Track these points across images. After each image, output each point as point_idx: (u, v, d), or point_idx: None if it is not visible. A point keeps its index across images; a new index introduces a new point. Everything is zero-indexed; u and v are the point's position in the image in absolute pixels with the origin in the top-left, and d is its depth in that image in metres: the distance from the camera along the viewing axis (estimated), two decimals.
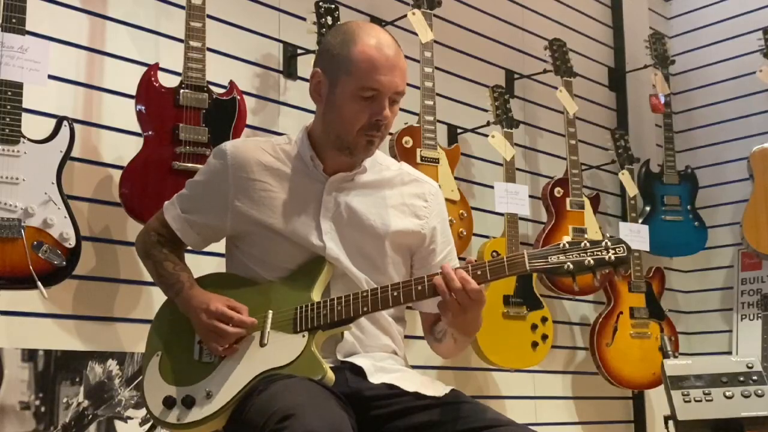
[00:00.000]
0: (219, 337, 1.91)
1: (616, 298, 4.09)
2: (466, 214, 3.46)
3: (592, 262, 1.82)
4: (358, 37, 1.94)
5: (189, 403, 1.90)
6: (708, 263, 4.81)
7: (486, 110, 3.79)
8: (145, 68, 2.74)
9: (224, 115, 2.79)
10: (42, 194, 2.44)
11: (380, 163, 2.10)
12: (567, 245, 1.84)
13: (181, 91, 2.71)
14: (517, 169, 3.78)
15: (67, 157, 2.51)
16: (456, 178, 3.46)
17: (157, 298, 2.49)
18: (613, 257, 1.82)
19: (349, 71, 1.93)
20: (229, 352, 1.93)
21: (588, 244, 1.83)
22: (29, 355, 2.58)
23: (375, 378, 1.90)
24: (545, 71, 4.08)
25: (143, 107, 2.69)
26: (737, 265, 4.68)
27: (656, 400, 4.42)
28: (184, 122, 2.70)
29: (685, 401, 2.35)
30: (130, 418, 2.73)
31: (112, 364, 2.73)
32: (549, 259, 1.84)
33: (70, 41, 2.79)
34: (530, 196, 3.76)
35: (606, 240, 1.84)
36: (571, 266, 1.83)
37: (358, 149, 1.98)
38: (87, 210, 2.75)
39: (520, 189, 3.71)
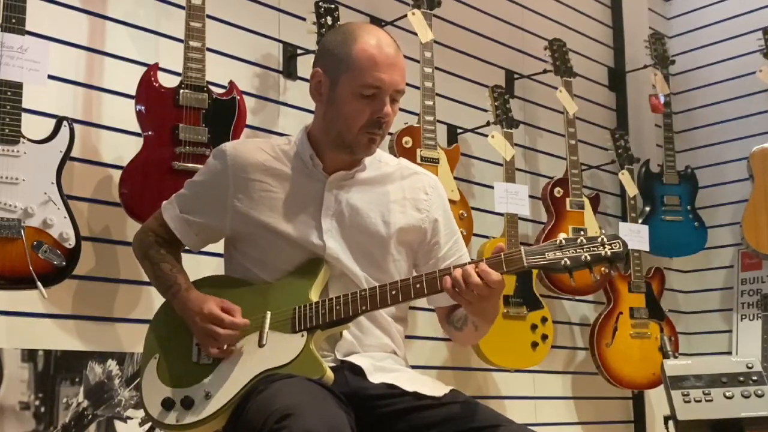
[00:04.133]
0: (212, 339, 1.92)
1: (615, 299, 4.08)
2: (465, 214, 3.46)
3: (588, 257, 1.83)
4: (358, 36, 1.95)
5: (188, 404, 1.90)
6: (708, 263, 4.81)
7: (486, 110, 3.78)
8: (145, 68, 2.74)
9: (224, 115, 2.78)
10: (42, 194, 2.44)
11: (379, 159, 2.10)
12: (563, 241, 1.85)
13: (181, 91, 2.71)
14: (517, 169, 3.77)
15: (66, 157, 2.51)
16: (456, 178, 3.46)
17: (156, 298, 2.49)
18: (609, 252, 1.83)
19: (350, 69, 1.93)
20: (226, 354, 1.93)
21: (584, 240, 1.84)
22: (29, 355, 2.58)
23: (374, 377, 1.91)
24: (545, 71, 4.08)
25: (143, 107, 2.69)
26: (737, 265, 4.68)
27: (656, 400, 4.42)
28: (184, 122, 2.70)
29: (685, 401, 2.35)
30: (129, 418, 2.73)
31: (112, 364, 2.73)
32: (546, 256, 1.84)
33: (70, 41, 2.79)
34: (530, 196, 3.76)
35: (602, 236, 1.85)
36: (568, 262, 1.83)
37: (359, 147, 1.98)
38: (87, 210, 2.75)
39: (520, 189, 3.70)
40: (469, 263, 1.86)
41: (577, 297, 4.16)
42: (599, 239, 1.84)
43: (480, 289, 1.81)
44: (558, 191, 3.94)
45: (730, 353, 4.54)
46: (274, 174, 2.03)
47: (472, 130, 3.85)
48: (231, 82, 2.86)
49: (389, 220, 2.03)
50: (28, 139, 2.44)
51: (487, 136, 3.73)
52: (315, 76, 2.01)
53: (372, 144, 1.99)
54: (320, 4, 3.11)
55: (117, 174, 2.71)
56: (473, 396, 2.02)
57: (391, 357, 2.02)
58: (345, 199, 2.02)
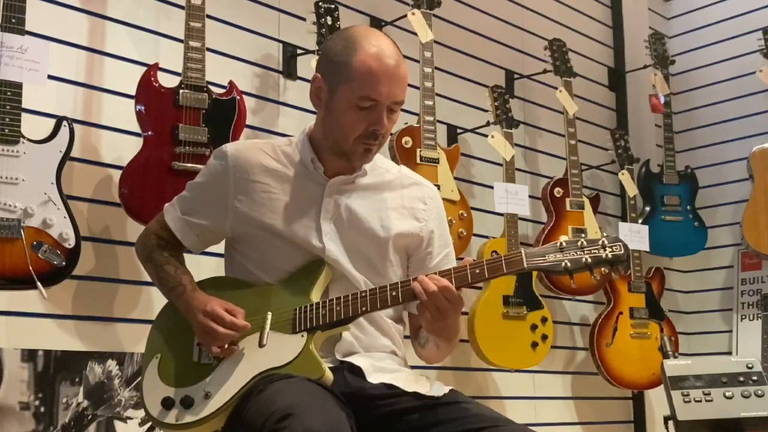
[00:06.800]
0: (212, 337, 1.92)
1: (615, 299, 4.08)
2: (465, 215, 3.46)
3: (589, 260, 1.83)
4: (359, 45, 1.94)
5: (188, 403, 1.90)
6: (708, 263, 4.81)
7: (486, 110, 3.78)
8: (144, 68, 2.74)
9: (224, 116, 2.78)
10: (41, 194, 2.44)
11: (380, 166, 2.11)
12: (564, 244, 1.85)
13: (181, 91, 2.71)
14: (517, 169, 3.77)
15: (66, 157, 2.51)
16: (456, 179, 3.46)
17: (156, 298, 2.49)
18: (610, 255, 1.83)
19: (348, 80, 1.93)
20: (227, 353, 1.93)
21: (585, 243, 1.85)
22: (29, 355, 2.58)
23: (374, 378, 1.91)
24: (545, 71, 4.08)
25: (143, 107, 2.69)
26: (737, 265, 4.68)
27: (656, 400, 4.42)
28: (184, 122, 2.70)
29: (685, 401, 2.35)
30: (129, 418, 2.73)
31: (112, 365, 2.73)
32: (546, 258, 1.85)
33: (70, 41, 2.79)
34: (530, 196, 3.76)
35: (603, 238, 1.85)
36: (569, 264, 1.84)
37: (355, 156, 1.99)
38: (87, 210, 2.75)
39: (519, 189, 3.70)
40: (459, 266, 1.87)
41: (577, 297, 4.17)
42: (600, 242, 1.85)
43: (437, 298, 1.81)
44: (558, 191, 3.94)
45: (730, 353, 4.54)
46: (274, 175, 2.03)
47: (472, 130, 3.85)
48: (231, 82, 2.86)
49: (387, 225, 2.04)
50: (28, 139, 2.44)
51: (487, 136, 3.73)
52: (315, 81, 2.01)
53: (368, 153, 1.99)
54: (320, 4, 3.11)
55: (117, 174, 2.71)
56: (473, 396, 2.02)
57: (391, 357, 2.02)
58: (344, 203, 2.02)
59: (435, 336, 2.00)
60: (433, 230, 2.11)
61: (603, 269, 1.87)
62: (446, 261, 2.12)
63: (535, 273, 3.66)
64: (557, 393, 4.18)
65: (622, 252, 1.84)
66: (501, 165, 3.73)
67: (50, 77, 2.57)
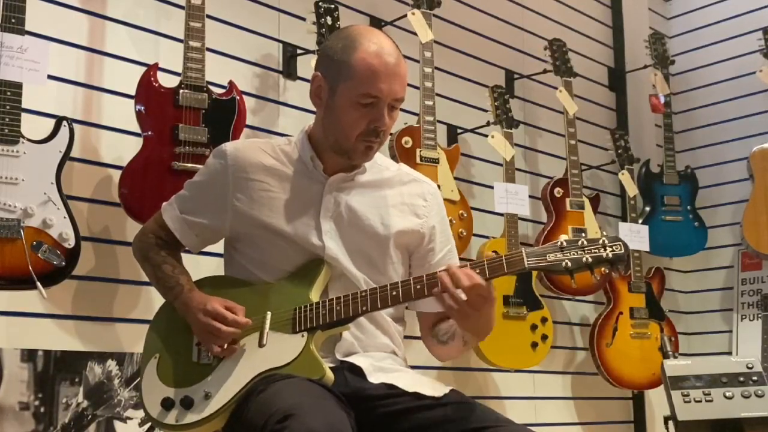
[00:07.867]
0: (214, 336, 1.92)
1: (615, 299, 4.08)
2: (465, 215, 3.46)
3: (589, 259, 1.83)
4: (359, 43, 1.94)
5: (187, 404, 1.90)
6: (708, 263, 4.80)
7: (486, 110, 3.78)
8: (144, 68, 2.74)
9: (224, 116, 2.78)
10: (41, 194, 2.44)
11: (379, 163, 2.10)
12: (565, 243, 1.85)
13: (181, 91, 2.71)
14: (517, 169, 3.77)
15: (66, 157, 2.51)
16: (456, 179, 3.46)
17: (156, 298, 2.49)
18: (610, 254, 1.84)
19: (348, 77, 1.93)
20: (227, 352, 1.93)
21: (585, 242, 1.85)
22: (29, 355, 2.58)
23: (374, 378, 1.91)
24: (545, 71, 4.08)
25: (143, 107, 2.69)
26: (737, 265, 4.68)
27: (656, 401, 4.42)
28: (184, 122, 2.70)
29: (685, 401, 2.35)
30: (129, 418, 2.73)
31: (112, 365, 2.73)
32: (547, 257, 1.85)
33: (70, 41, 2.79)
34: (530, 197, 3.76)
35: (603, 238, 1.85)
36: (569, 264, 1.84)
37: (356, 154, 1.99)
38: (86, 210, 2.75)
39: (519, 189, 3.70)
40: (460, 266, 1.86)
41: (577, 297, 4.16)
42: (600, 241, 1.85)
43: (470, 291, 1.80)
44: (558, 191, 3.94)
45: (730, 353, 4.54)
46: (274, 174, 2.03)
47: (472, 130, 3.85)
48: (231, 82, 2.86)
49: (388, 222, 2.03)
50: (28, 139, 2.44)
51: (487, 136, 3.73)
52: (315, 80, 2.01)
53: (369, 151, 2.00)
54: (320, 4, 3.11)
55: (117, 174, 2.71)
56: (473, 396, 2.02)
57: (391, 357, 2.02)
58: (344, 201, 2.02)
59: (468, 333, 1.96)
60: (434, 226, 2.11)
61: (603, 269, 1.87)
62: (449, 257, 2.12)
63: (535, 273, 3.66)
64: (557, 393, 4.17)
65: (623, 251, 1.84)
66: (501, 165, 3.73)
67: (50, 77, 2.57)
